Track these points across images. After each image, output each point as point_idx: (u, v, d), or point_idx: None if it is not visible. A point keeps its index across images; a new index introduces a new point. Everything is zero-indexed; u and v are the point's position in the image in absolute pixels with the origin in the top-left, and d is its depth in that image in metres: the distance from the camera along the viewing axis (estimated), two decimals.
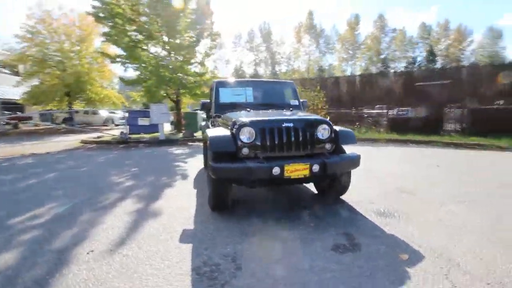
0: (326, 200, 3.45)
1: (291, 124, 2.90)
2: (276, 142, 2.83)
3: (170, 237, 2.50)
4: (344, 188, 3.33)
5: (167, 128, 15.62)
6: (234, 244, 2.34)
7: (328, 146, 3.02)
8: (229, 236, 2.49)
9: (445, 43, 45.68)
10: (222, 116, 3.72)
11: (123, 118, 14.35)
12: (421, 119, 10.83)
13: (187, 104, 16.37)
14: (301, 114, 3.44)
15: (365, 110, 13.34)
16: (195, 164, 5.97)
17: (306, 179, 2.88)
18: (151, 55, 12.53)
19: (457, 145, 7.96)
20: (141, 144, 9.95)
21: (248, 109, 3.65)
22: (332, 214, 3.00)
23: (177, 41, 12.16)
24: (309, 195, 3.73)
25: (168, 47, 12.33)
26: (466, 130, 9.72)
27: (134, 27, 11.48)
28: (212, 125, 4.11)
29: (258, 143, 2.82)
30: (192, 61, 12.90)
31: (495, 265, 1.98)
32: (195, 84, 12.79)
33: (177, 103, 13.67)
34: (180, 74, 12.30)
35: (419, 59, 47.63)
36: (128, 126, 11.35)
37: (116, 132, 12.81)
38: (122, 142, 10.26)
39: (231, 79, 4.55)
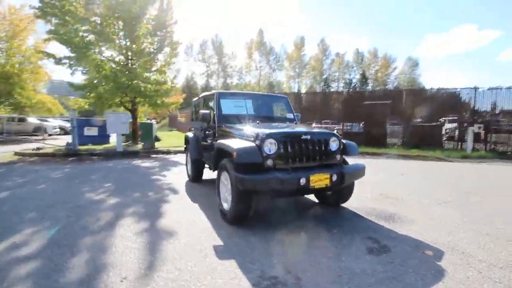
0: (328, 208, 3.67)
1: (308, 137, 3.06)
2: (297, 154, 2.96)
3: (204, 254, 2.35)
4: (347, 197, 3.60)
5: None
6: (276, 255, 2.33)
7: (338, 157, 3.27)
8: (266, 247, 2.47)
9: (374, 69, 52.79)
10: (228, 127, 3.68)
11: (69, 127, 12.63)
12: (367, 133, 12.28)
13: (144, 113, 15.34)
14: (309, 128, 3.64)
15: (314, 125, 14.47)
16: (175, 177, 5.63)
17: (326, 189, 3.05)
18: (104, 58, 11.50)
19: (404, 156, 9.24)
20: (95, 157, 8.90)
21: (258, 121, 3.71)
22: (345, 220, 3.21)
23: (138, 46, 11.46)
24: (309, 204, 3.89)
25: (128, 52, 11.51)
26: (406, 143, 11.37)
27: (86, 27, 10.44)
28: (213, 137, 4.01)
29: (281, 154, 2.89)
30: (153, 69, 12.26)
31: (496, 252, 2.41)
32: (156, 93, 12.13)
33: (133, 112, 12.69)
34: (140, 82, 11.53)
35: (354, 80, 53.90)
36: (76, 136, 10.02)
37: (54, 143, 11.18)
38: (71, 154, 9.01)
39: (230, 91, 4.52)
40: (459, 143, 10.68)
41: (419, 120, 13.50)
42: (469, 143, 9.80)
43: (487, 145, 10.10)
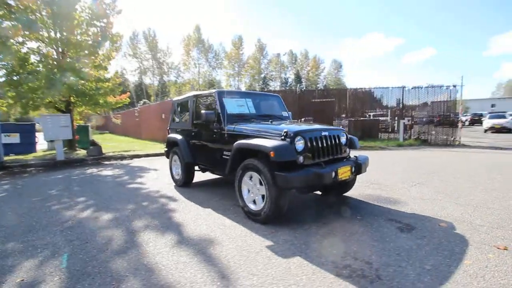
0: (330, 199, 3.96)
1: (327, 133, 3.27)
2: (320, 149, 3.14)
3: (265, 256, 2.31)
4: (351, 187, 3.94)
5: (44, 146, 12.07)
6: (331, 247, 2.45)
7: (347, 150, 3.59)
8: (316, 242, 2.57)
9: (307, 69, 57.18)
10: (240, 127, 3.59)
11: None
12: None
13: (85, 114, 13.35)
14: (315, 124, 3.84)
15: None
16: (157, 184, 5.18)
17: (347, 180, 3.30)
18: (29, 50, 9.56)
19: None
20: (32, 169, 7.40)
21: (271, 120, 3.76)
22: (358, 208, 3.53)
23: (71, 38, 9.84)
24: (313, 198, 4.12)
25: (58, 44, 9.80)
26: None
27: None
28: (220, 138, 3.83)
29: (308, 150, 3.02)
30: (94, 64, 10.74)
31: (487, 217, 3.05)
32: (97, 91, 10.70)
33: (69, 113, 10.90)
34: (78, 79, 9.96)
35: (289, 80, 57.30)
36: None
37: None
38: None
39: (228, 90, 4.35)
40: (393, 134, 12.60)
41: (344, 116, 15.41)
42: (401, 134, 11.68)
43: (412, 135, 12.20)
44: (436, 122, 11.82)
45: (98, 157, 9.04)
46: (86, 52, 10.33)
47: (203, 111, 3.90)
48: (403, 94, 12.20)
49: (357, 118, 13.40)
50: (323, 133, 3.23)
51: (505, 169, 5.91)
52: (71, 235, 2.82)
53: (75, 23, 9.89)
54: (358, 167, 3.32)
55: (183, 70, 47.19)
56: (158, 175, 6.13)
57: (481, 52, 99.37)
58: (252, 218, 3.11)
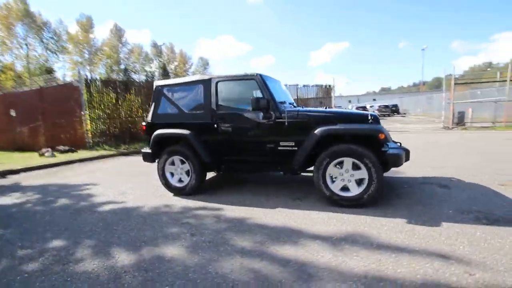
0: None
1: None
2: None
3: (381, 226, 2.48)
4: None
5: None
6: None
7: None
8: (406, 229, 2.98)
9: (174, 64, 54.89)
10: (307, 112, 3.46)
11: None
12: None
13: None
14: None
15: None
16: (143, 198, 3.89)
17: None
18: None
19: None
20: None
21: (326, 106, 3.72)
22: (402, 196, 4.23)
23: None
24: None
25: None
26: None
27: None
28: (276, 126, 3.42)
29: None
30: None
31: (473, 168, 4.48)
32: None
33: None
34: None
35: (156, 74, 53.22)
36: None
37: None
38: None
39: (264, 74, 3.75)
40: None
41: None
42: None
43: None
44: None
45: None
46: None
47: (256, 97, 3.34)
48: (297, 90, 14.49)
49: None
50: None
51: None
52: None
53: None
54: None
55: (0, 51, 33.16)
56: (111, 191, 4.48)
57: (306, 63, 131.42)
58: (345, 204, 3.09)
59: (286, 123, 3.39)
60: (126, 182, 4.97)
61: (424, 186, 3.81)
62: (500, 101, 12.20)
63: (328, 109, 3.54)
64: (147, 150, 4.16)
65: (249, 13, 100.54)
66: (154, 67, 55.51)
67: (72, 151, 8.62)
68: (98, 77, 11.86)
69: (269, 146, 3.51)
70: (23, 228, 3.04)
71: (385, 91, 74.22)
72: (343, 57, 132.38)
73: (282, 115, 3.39)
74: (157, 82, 4.17)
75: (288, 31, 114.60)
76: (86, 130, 9.59)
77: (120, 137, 10.24)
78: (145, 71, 52.14)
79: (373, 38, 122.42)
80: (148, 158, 4.13)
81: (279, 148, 3.46)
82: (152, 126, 4.09)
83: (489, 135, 9.61)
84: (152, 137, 3.97)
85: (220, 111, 3.71)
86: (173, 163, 3.98)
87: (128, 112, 10.95)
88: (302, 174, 3.85)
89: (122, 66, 48.98)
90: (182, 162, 3.90)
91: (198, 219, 3.01)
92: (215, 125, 3.71)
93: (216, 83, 3.73)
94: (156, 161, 4.05)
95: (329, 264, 2.01)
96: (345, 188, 3.15)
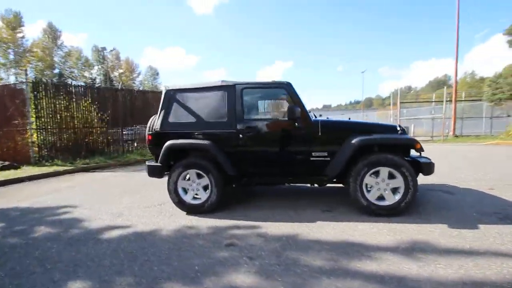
0: None
1: None
2: None
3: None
4: None
5: None
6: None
7: None
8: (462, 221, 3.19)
9: (119, 71, 50.94)
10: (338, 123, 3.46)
11: None
12: None
13: None
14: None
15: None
16: (156, 221, 3.37)
17: None
18: None
19: None
20: None
21: (349, 117, 3.78)
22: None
23: None
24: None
25: None
26: None
27: None
28: (309, 137, 3.33)
29: None
30: None
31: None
32: None
33: None
34: None
35: (98, 80, 48.58)
36: None
37: None
38: None
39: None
40: None
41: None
42: None
43: None
44: None
45: None
46: None
47: (290, 106, 3.20)
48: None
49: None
50: None
51: None
52: None
53: None
54: None
55: None
56: (107, 213, 3.77)
57: (255, 76, 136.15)
58: (383, 214, 3.13)
59: (320, 133, 3.33)
60: (113, 202, 4.22)
61: (431, 192, 4.13)
62: (436, 118, 14.43)
63: (358, 120, 3.64)
64: (153, 163, 3.62)
65: (199, 25, 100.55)
66: (95, 73, 50.86)
67: (15, 167, 7.06)
68: (50, 80, 10.14)
69: (300, 156, 3.39)
70: (13, 270, 2.26)
71: (326, 108, 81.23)
72: (290, 74, 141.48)
73: (315, 124, 3.33)
74: (169, 86, 3.71)
75: (239, 44, 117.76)
76: (32, 142, 8.00)
77: (75, 150, 8.80)
78: (85, 77, 47.38)
79: (314, 61, 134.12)
80: (155, 172, 3.58)
81: (311, 158, 3.37)
82: (160, 136, 3.59)
83: (437, 147, 11.15)
84: (164, 148, 3.46)
85: (246, 119, 3.47)
86: (185, 178, 3.53)
87: (83, 122, 9.56)
88: (299, 185, 3.84)
89: (57, 71, 43.63)
90: (199, 176, 3.48)
91: (241, 240, 2.67)
92: (240, 135, 3.44)
93: (241, 90, 3.50)
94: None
95: (422, 275, 1.96)
96: (380, 198, 3.20)
